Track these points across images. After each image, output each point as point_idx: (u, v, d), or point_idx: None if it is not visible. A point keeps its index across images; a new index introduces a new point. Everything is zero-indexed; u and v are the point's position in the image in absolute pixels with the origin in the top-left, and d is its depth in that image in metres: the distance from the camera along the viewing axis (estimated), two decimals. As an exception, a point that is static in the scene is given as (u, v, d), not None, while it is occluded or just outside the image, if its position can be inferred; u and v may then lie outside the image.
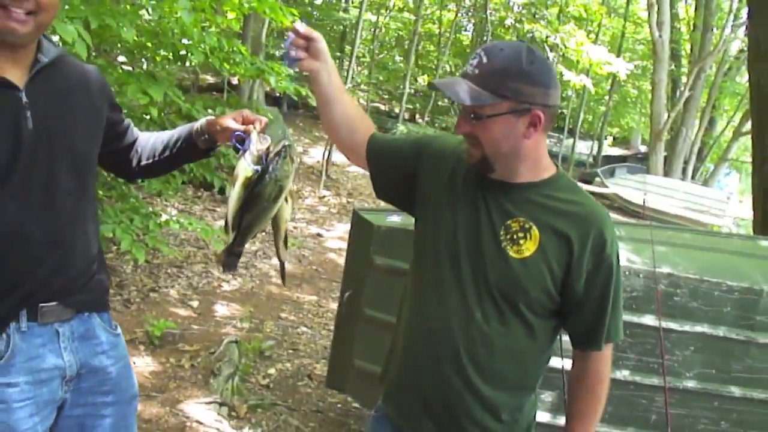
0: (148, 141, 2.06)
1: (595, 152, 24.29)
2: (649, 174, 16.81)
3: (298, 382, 4.55)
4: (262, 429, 3.86)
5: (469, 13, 20.19)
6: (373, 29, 18.31)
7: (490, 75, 1.64)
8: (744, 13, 18.10)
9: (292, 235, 7.28)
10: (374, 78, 17.58)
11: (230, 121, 1.91)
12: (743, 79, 20.70)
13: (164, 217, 5.32)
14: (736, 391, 3.17)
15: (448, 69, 17.98)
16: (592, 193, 2.24)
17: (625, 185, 15.84)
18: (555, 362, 2.00)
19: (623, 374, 3.09)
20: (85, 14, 3.75)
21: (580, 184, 1.90)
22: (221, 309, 5.63)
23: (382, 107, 19.80)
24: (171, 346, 4.70)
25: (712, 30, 17.81)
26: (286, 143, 1.80)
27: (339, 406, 4.30)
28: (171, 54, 5.35)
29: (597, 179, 17.82)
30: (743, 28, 17.70)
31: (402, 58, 19.33)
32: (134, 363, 4.18)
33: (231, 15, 5.73)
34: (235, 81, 11.96)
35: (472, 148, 1.72)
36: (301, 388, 4.47)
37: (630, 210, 14.36)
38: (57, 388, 1.76)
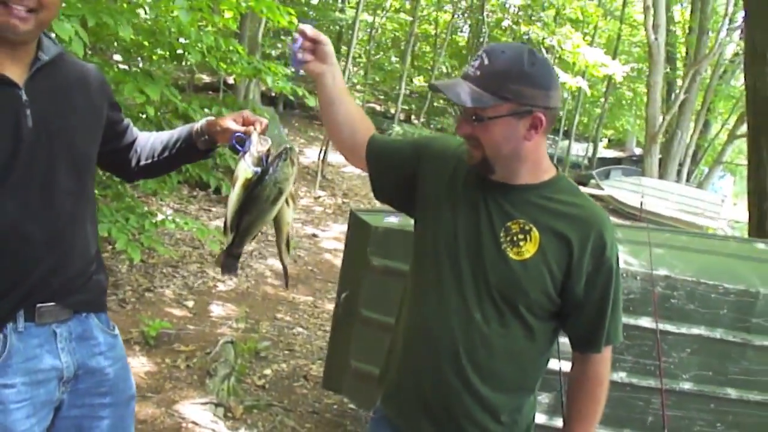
0: (148, 141, 2.05)
1: (590, 154, 24.36)
2: (644, 176, 16.83)
3: (294, 382, 4.55)
4: (258, 430, 3.85)
5: (465, 15, 20.22)
6: (369, 30, 18.34)
7: (492, 77, 1.64)
8: (739, 16, 18.17)
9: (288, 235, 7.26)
10: (370, 78, 17.61)
11: (230, 122, 1.90)
12: (738, 82, 20.78)
13: (160, 217, 5.31)
14: (732, 393, 3.18)
15: (444, 70, 18.00)
16: (587, 195, 2.24)
17: (620, 187, 15.87)
18: (552, 364, 2.00)
19: (620, 376, 3.09)
20: (82, 12, 3.73)
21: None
22: (217, 309, 5.62)
23: (378, 108, 19.81)
24: (166, 346, 4.69)
25: (708, 33, 17.86)
26: (288, 146, 1.79)
27: (335, 407, 4.29)
28: (168, 53, 5.33)
29: (592, 181, 17.86)
30: (738, 31, 17.77)
31: (398, 59, 19.36)
32: (129, 363, 4.15)
33: (228, 14, 5.72)
34: (231, 80, 11.94)
35: (473, 149, 1.72)
36: (297, 388, 4.46)
37: (625, 212, 14.39)
38: (54, 389, 1.74)
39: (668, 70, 19.81)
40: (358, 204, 10.87)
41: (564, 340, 1.91)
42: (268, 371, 4.64)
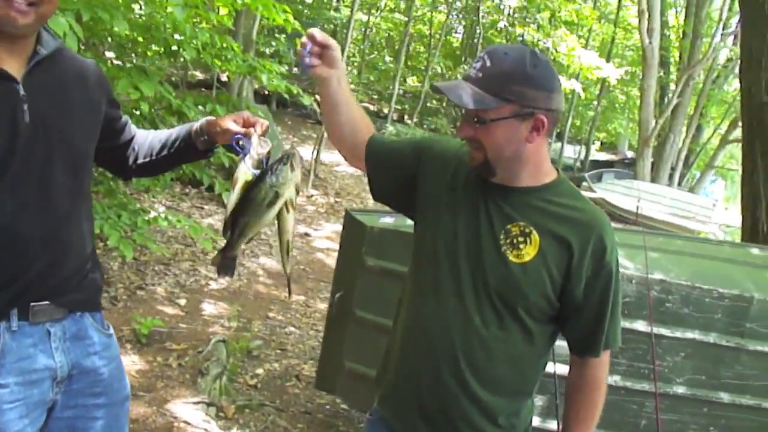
0: (146, 139, 2.02)
1: (582, 157, 24.40)
2: (636, 180, 16.86)
3: (286, 382, 4.53)
4: (250, 430, 3.83)
5: (460, 16, 20.23)
6: (363, 29, 18.32)
7: (494, 78, 1.63)
8: (733, 22, 18.25)
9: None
10: (364, 78, 17.59)
11: (231, 123, 1.88)
12: (731, 87, 20.86)
13: (152, 214, 5.27)
14: (725, 397, 3.19)
15: (438, 70, 18.00)
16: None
17: (612, 190, 15.88)
18: (547, 366, 2.00)
19: (614, 379, 3.09)
20: (76, 6, 3.70)
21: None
22: (209, 307, 5.59)
23: (371, 107, 19.78)
24: (158, 344, 4.66)
25: (702, 38, 17.92)
26: (291, 152, 1.76)
27: (327, 407, 4.27)
28: (163, 49, 5.31)
29: (584, 184, 17.86)
30: (732, 37, 17.83)
31: (392, 59, 19.34)
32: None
33: (223, 11, 5.70)
34: (224, 78, 11.90)
35: (475, 151, 1.71)
36: (289, 388, 4.44)
37: (617, 215, 14.39)
38: (48, 390, 1.72)
39: (662, 74, 19.85)
40: (350, 203, 10.85)
41: (559, 343, 1.90)
42: (260, 371, 4.61)
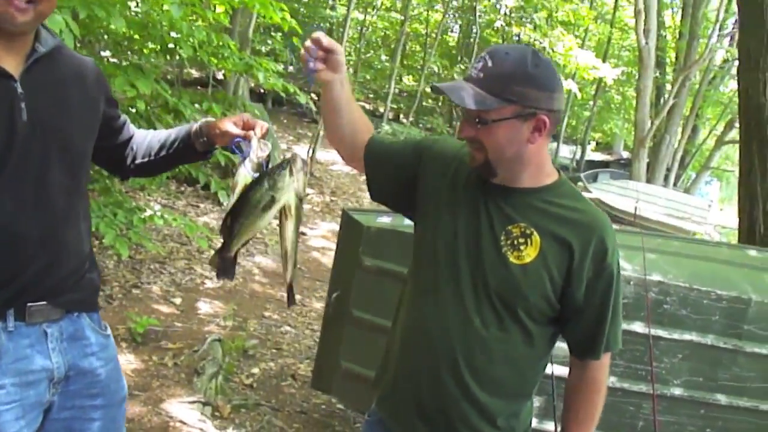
0: (145, 139, 2.00)
1: (578, 157, 24.41)
2: (632, 180, 16.88)
3: (281, 382, 4.51)
4: (246, 430, 3.82)
5: (457, 15, 20.22)
6: (359, 28, 18.28)
7: (496, 79, 1.62)
8: (730, 23, 18.26)
9: (275, 232, 7.22)
10: (360, 77, 17.55)
11: (230, 126, 1.86)
12: (727, 88, 20.90)
13: (148, 212, 5.25)
14: (722, 399, 3.18)
15: (435, 70, 17.99)
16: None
17: (608, 190, 15.91)
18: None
19: (611, 381, 3.08)
20: (73, 4, 3.68)
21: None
22: (204, 306, 5.58)
23: (367, 106, 19.76)
24: (154, 343, 4.64)
25: (698, 39, 17.94)
26: (293, 157, 1.73)
27: (323, 407, 4.26)
28: (159, 47, 5.28)
29: (579, 184, 17.87)
30: (728, 38, 17.86)
31: (388, 58, 19.32)
32: (116, 360, 4.11)
33: (220, 9, 5.68)
34: (220, 76, 11.88)
35: (475, 152, 1.69)
36: (285, 388, 4.43)
37: (613, 215, 14.40)
38: (44, 391, 1.70)
39: (658, 74, 19.88)
40: (346, 202, 10.85)
41: (557, 344, 1.90)
42: (255, 370, 4.60)
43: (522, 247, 1.70)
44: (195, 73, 14.46)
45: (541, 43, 14.30)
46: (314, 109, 14.12)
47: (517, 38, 17.32)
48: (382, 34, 20.86)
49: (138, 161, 1.99)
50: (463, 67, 17.14)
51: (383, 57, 20.42)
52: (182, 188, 8.62)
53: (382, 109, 17.25)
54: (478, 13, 16.71)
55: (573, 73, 16.19)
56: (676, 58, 20.25)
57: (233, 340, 4.81)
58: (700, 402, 3.17)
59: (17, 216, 1.60)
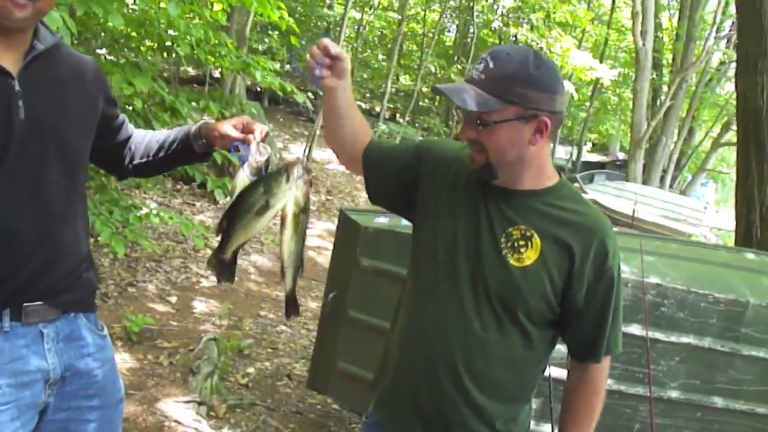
0: (143, 139, 1.99)
1: (574, 158, 24.42)
2: (628, 181, 16.89)
3: (277, 381, 4.50)
4: (241, 429, 3.80)
5: (454, 15, 20.21)
6: (357, 27, 18.26)
7: (497, 80, 1.60)
8: (726, 25, 18.29)
9: (271, 231, 7.19)
10: (357, 76, 17.52)
11: (230, 129, 1.84)
12: (723, 90, 20.93)
13: (144, 210, 5.23)
14: (719, 402, 3.18)
15: (432, 69, 17.98)
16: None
17: (603, 191, 15.91)
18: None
19: (608, 383, 3.06)
20: (70, 1, 3.66)
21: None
22: (200, 305, 5.56)
23: (364, 105, 19.75)
24: (149, 342, 4.62)
25: (695, 41, 17.95)
26: (294, 163, 1.68)
27: (319, 407, 4.25)
28: (156, 45, 5.26)
29: (576, 185, 17.89)
30: (725, 40, 17.88)
31: (385, 57, 19.30)
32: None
33: (217, 7, 5.66)
34: (216, 74, 11.85)
35: (476, 154, 1.68)
36: (280, 387, 4.42)
37: (609, 217, 14.40)
38: (40, 392, 1.68)
39: (654, 76, 19.89)
40: (342, 201, 10.84)
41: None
42: (251, 369, 4.59)
43: (522, 250, 1.69)
44: (192, 71, 14.44)
45: (538, 44, 14.30)
46: (311, 107, 14.12)
47: (514, 39, 17.32)
48: (379, 33, 20.87)
49: (136, 161, 1.97)
50: (460, 67, 17.13)
51: (380, 56, 20.42)
52: (178, 186, 8.60)
53: (378, 109, 17.21)
54: (475, 14, 16.70)
55: (570, 75, 16.18)
56: (673, 59, 20.25)
57: (229, 340, 4.80)
58: (697, 405, 3.17)
59: (14, 215, 1.58)
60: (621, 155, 26.73)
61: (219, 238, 1.79)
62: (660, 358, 3.11)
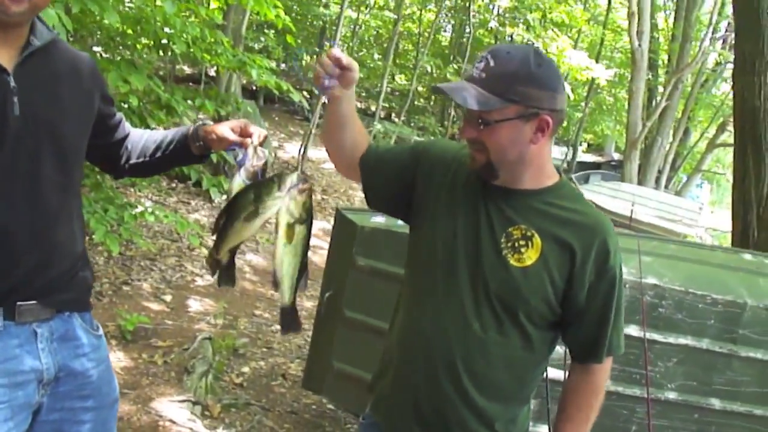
0: (140, 139, 1.96)
1: (569, 158, 24.43)
2: (623, 182, 16.89)
3: (272, 381, 4.48)
4: (236, 429, 3.79)
5: (450, 15, 20.19)
6: (353, 26, 18.24)
7: (498, 78, 1.59)
8: (723, 26, 18.30)
9: (266, 230, 7.17)
10: (353, 75, 17.46)
11: (227, 132, 1.82)
12: (719, 91, 20.95)
13: (139, 209, 5.21)
14: (716, 403, 3.17)
15: (428, 69, 17.96)
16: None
17: (599, 192, 15.90)
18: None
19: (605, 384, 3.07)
20: (66, -2, 3.64)
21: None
22: (195, 304, 5.54)
23: (359, 105, 19.72)
24: (143, 341, 4.60)
25: (691, 42, 17.96)
26: (295, 177, 1.64)
27: (314, 407, 4.23)
28: (152, 42, 5.24)
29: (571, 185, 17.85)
30: (721, 41, 17.89)
31: (381, 57, 19.28)
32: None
33: (213, 5, 5.64)
34: (212, 72, 11.82)
35: (477, 153, 1.66)
36: (275, 387, 4.40)
37: (603, 217, 14.40)
38: (33, 392, 1.66)
39: (650, 76, 19.89)
40: (337, 200, 10.82)
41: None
42: (246, 369, 4.57)
43: (523, 250, 1.67)
44: (187, 70, 14.39)
45: (534, 44, 14.29)
46: (306, 106, 14.10)
47: (510, 39, 17.31)
48: (375, 32, 20.82)
49: (132, 161, 1.95)
50: (456, 66, 17.11)
51: (376, 55, 20.39)
52: (173, 185, 8.57)
53: (374, 108, 17.19)
54: (471, 13, 16.69)
55: (566, 75, 16.18)
56: (669, 60, 20.26)
57: (224, 339, 4.78)
58: (695, 406, 3.16)
59: (8, 212, 1.56)
60: (616, 156, 26.73)
61: (214, 238, 1.77)
62: (657, 360, 3.10)
